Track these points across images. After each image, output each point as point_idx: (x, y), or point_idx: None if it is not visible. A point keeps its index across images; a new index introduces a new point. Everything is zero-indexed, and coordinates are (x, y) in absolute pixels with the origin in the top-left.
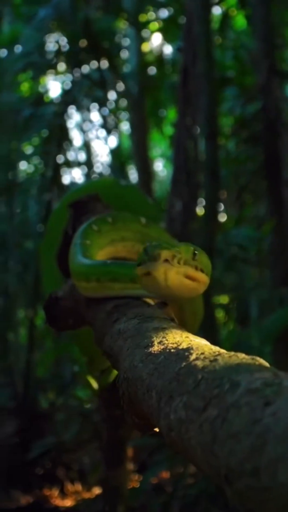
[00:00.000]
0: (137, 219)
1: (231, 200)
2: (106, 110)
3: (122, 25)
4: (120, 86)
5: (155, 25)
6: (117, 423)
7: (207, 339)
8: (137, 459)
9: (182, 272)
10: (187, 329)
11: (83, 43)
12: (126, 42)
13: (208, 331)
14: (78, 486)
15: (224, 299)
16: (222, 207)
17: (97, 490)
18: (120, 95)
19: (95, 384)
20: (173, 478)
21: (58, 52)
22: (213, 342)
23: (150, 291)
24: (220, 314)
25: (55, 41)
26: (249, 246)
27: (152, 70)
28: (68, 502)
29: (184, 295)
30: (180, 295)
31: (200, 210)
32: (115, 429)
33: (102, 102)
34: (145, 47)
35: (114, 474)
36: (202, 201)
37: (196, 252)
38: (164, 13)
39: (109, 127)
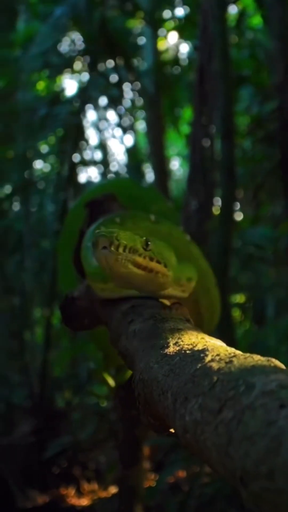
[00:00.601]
0: (147, 217)
1: (248, 199)
2: (122, 109)
3: (139, 23)
4: (136, 85)
5: (171, 24)
6: (133, 423)
7: (223, 338)
8: (153, 458)
9: (124, 260)
10: (204, 327)
11: (99, 41)
12: (142, 41)
13: (224, 330)
14: (94, 485)
15: (240, 298)
16: (238, 206)
17: (113, 489)
18: (136, 93)
19: (111, 381)
20: (190, 477)
21: (74, 51)
22: (229, 341)
23: (112, 281)
24: (236, 313)
25: (71, 40)
26: (266, 245)
27: (169, 69)
28: (84, 501)
29: (143, 286)
30: (138, 285)
31: (216, 209)
32: (131, 428)
33: (118, 101)
34: (162, 46)
35: (130, 473)
36: (218, 200)
37: (149, 242)
38: (180, 11)
39: (125, 126)
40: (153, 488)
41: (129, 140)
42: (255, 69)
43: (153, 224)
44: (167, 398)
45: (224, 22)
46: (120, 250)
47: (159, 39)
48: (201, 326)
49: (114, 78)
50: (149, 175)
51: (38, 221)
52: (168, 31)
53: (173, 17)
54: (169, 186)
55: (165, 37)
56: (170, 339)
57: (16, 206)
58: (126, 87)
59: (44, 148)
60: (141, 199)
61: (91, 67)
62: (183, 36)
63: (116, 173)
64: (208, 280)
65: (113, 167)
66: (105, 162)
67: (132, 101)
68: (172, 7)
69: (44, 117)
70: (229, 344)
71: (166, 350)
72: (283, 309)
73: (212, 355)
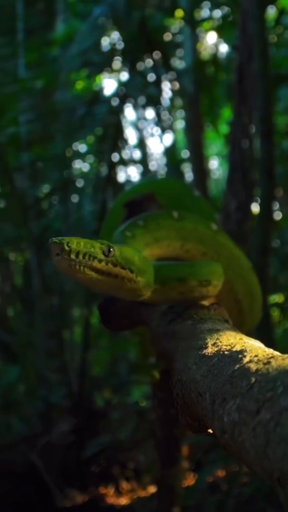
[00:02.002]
0: (169, 215)
1: (287, 198)
2: (161, 108)
3: (177, 23)
4: (175, 84)
5: (209, 23)
6: (172, 422)
7: (262, 339)
8: (192, 458)
9: (78, 265)
10: (246, 315)
11: (138, 41)
12: (181, 39)
13: (263, 331)
14: (133, 485)
15: (279, 298)
16: (277, 205)
17: (152, 489)
18: (175, 93)
19: (155, 373)
20: (228, 477)
21: (113, 50)
22: (268, 341)
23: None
24: (275, 313)
25: (110, 39)
26: None
27: (208, 68)
28: (123, 501)
29: (113, 291)
30: (106, 290)
31: (255, 209)
32: (170, 428)
33: (157, 100)
34: (201, 45)
35: (169, 473)
36: (257, 200)
37: (111, 249)
38: (218, 12)
39: (164, 125)
40: (192, 488)
41: (168, 139)
42: None
43: (176, 222)
44: (205, 399)
45: (264, 21)
46: (72, 256)
47: (198, 38)
48: (242, 314)
49: (152, 77)
50: (188, 175)
51: (77, 220)
52: (206, 30)
53: (211, 17)
54: (208, 186)
55: (204, 36)
56: (209, 339)
57: (56, 206)
58: (165, 86)
59: (82, 148)
60: (179, 199)
61: (130, 66)
62: (222, 35)
63: (155, 172)
64: (242, 266)
65: (152, 166)
66: (144, 162)
67: (171, 100)
68: (212, 7)
69: (83, 116)
70: (268, 344)
71: (204, 351)
72: None
73: (250, 356)
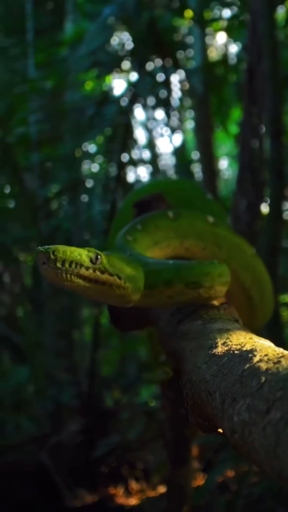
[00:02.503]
0: (165, 215)
1: None
2: (170, 109)
3: (187, 23)
4: (185, 84)
5: (218, 24)
6: (181, 422)
7: (271, 338)
8: (202, 458)
9: (65, 273)
10: (258, 314)
11: (147, 41)
12: (191, 40)
13: (272, 330)
14: (143, 485)
15: None
16: (287, 205)
17: (161, 489)
18: (184, 93)
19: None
20: (238, 477)
21: (123, 50)
22: (278, 341)
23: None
24: (285, 313)
25: (119, 39)
26: None
27: (217, 69)
28: (133, 501)
29: (102, 298)
30: (95, 297)
31: (265, 209)
32: (179, 428)
33: (167, 100)
34: (210, 45)
35: (178, 473)
36: (267, 200)
37: (98, 256)
38: (227, 12)
39: (173, 126)
40: (202, 488)
41: (177, 139)
42: None
43: (173, 221)
44: (215, 399)
45: (273, 21)
46: (58, 264)
47: (208, 38)
48: (253, 303)
49: (162, 77)
50: (198, 175)
51: (86, 220)
52: (216, 30)
53: (220, 17)
54: (218, 186)
55: (214, 36)
56: (218, 339)
57: (65, 206)
58: (175, 86)
59: (91, 148)
60: (189, 199)
61: (140, 67)
62: (231, 35)
63: (165, 172)
64: (245, 253)
65: (162, 166)
66: (153, 162)
67: (181, 100)
68: (221, 7)
69: (93, 116)
70: (278, 344)
71: (214, 351)
72: None
73: (261, 356)
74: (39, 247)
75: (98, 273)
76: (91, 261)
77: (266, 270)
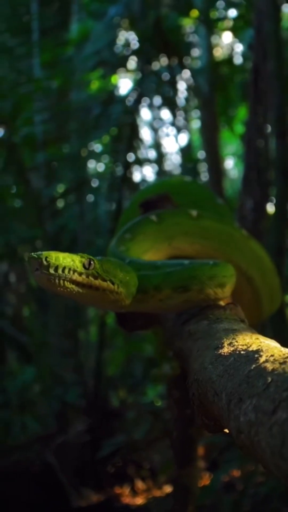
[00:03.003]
0: (150, 220)
1: None
2: (176, 108)
3: (193, 22)
4: (191, 84)
5: (224, 23)
6: (187, 422)
7: (277, 338)
8: (208, 457)
9: (58, 279)
10: (263, 302)
11: (153, 40)
12: (197, 39)
13: (278, 330)
14: (149, 484)
15: None
16: None
17: (167, 488)
18: (190, 93)
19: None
20: (244, 476)
21: (129, 50)
22: (283, 341)
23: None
24: None
25: (125, 39)
26: None
27: (223, 68)
28: (139, 500)
29: (96, 303)
30: (89, 303)
31: (270, 209)
32: (185, 427)
33: (172, 100)
34: (216, 45)
35: (184, 473)
36: (272, 200)
37: (92, 262)
38: (233, 12)
39: (179, 125)
40: (208, 487)
41: (183, 139)
42: None
43: (158, 225)
44: (222, 399)
45: (278, 21)
46: (51, 270)
47: (214, 38)
48: (254, 285)
49: (167, 76)
50: (204, 174)
51: (92, 219)
52: (221, 30)
53: (226, 17)
54: (223, 186)
55: (220, 36)
56: (225, 339)
57: (72, 205)
58: (181, 86)
59: (97, 147)
60: (195, 199)
61: (145, 66)
62: (237, 35)
63: (171, 172)
64: (235, 239)
65: (168, 166)
66: (159, 161)
67: (187, 100)
68: (226, 7)
69: (98, 116)
70: (283, 344)
71: (220, 351)
72: None
73: (267, 356)
74: (31, 254)
75: (91, 278)
76: (84, 266)
77: (263, 249)
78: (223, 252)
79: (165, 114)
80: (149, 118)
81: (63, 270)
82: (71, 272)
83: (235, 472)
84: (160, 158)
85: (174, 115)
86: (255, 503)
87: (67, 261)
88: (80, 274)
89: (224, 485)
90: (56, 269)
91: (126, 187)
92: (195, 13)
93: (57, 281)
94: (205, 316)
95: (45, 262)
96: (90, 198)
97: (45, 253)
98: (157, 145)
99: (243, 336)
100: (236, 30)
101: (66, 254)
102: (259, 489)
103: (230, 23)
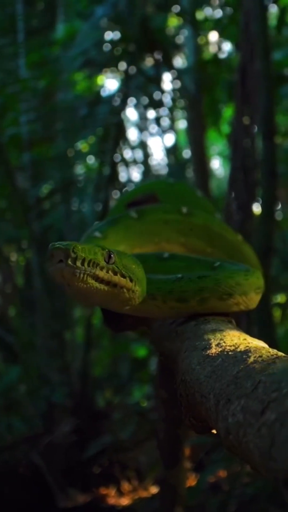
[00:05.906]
0: (129, 216)
1: None
2: (162, 108)
3: (179, 22)
4: (177, 84)
5: (211, 23)
6: (175, 423)
7: (264, 338)
8: (194, 458)
9: (83, 274)
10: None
11: (140, 40)
12: (182, 40)
13: (265, 331)
14: (135, 485)
15: (281, 298)
16: (279, 206)
17: (154, 489)
18: (176, 93)
19: None
20: (230, 477)
21: (115, 50)
22: (270, 341)
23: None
24: (277, 313)
25: (111, 39)
26: None
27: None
28: (125, 501)
29: (106, 303)
30: (99, 302)
31: (257, 209)
32: (172, 428)
33: (159, 100)
34: (202, 45)
35: (171, 473)
36: (259, 200)
37: (111, 255)
38: (219, 12)
39: (165, 125)
40: (194, 488)
41: (170, 139)
42: None
43: (136, 221)
44: (209, 400)
45: (265, 21)
46: (78, 263)
47: (200, 38)
48: None
49: (154, 77)
50: (190, 175)
51: (79, 220)
52: (208, 30)
53: (213, 17)
54: (210, 186)
55: (206, 36)
56: (212, 340)
57: (58, 206)
58: (167, 86)
59: (84, 148)
60: (182, 199)
61: (132, 66)
62: (223, 35)
63: (157, 172)
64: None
65: (154, 166)
66: (145, 162)
67: (173, 100)
68: (213, 6)
69: (85, 116)
70: (270, 344)
71: (208, 351)
72: None
73: (255, 357)
74: (56, 243)
75: (111, 273)
76: (104, 260)
77: (254, 254)
78: (217, 253)
79: (151, 114)
80: (136, 118)
81: (88, 264)
82: (95, 266)
83: (221, 472)
84: (146, 158)
85: (160, 115)
86: (241, 504)
87: (92, 253)
88: (101, 268)
89: (210, 485)
90: (83, 262)
91: (112, 187)
92: (182, 13)
93: (81, 276)
94: (192, 317)
95: (72, 254)
96: (76, 199)
97: (71, 243)
98: (143, 145)
99: (231, 337)
100: (223, 29)
101: (89, 246)
102: (246, 489)
103: (217, 23)
